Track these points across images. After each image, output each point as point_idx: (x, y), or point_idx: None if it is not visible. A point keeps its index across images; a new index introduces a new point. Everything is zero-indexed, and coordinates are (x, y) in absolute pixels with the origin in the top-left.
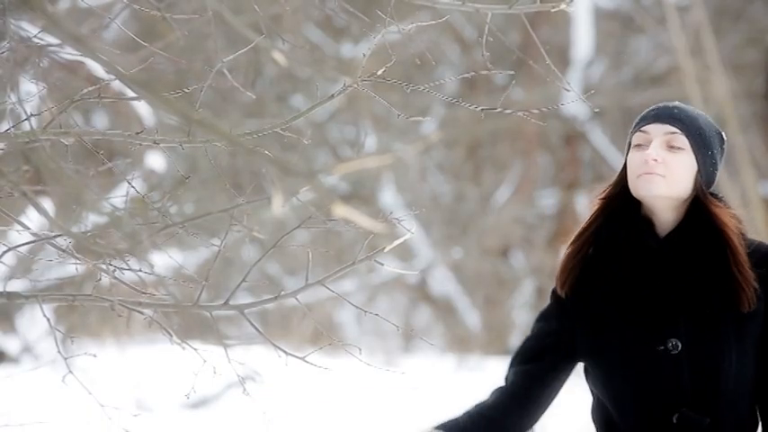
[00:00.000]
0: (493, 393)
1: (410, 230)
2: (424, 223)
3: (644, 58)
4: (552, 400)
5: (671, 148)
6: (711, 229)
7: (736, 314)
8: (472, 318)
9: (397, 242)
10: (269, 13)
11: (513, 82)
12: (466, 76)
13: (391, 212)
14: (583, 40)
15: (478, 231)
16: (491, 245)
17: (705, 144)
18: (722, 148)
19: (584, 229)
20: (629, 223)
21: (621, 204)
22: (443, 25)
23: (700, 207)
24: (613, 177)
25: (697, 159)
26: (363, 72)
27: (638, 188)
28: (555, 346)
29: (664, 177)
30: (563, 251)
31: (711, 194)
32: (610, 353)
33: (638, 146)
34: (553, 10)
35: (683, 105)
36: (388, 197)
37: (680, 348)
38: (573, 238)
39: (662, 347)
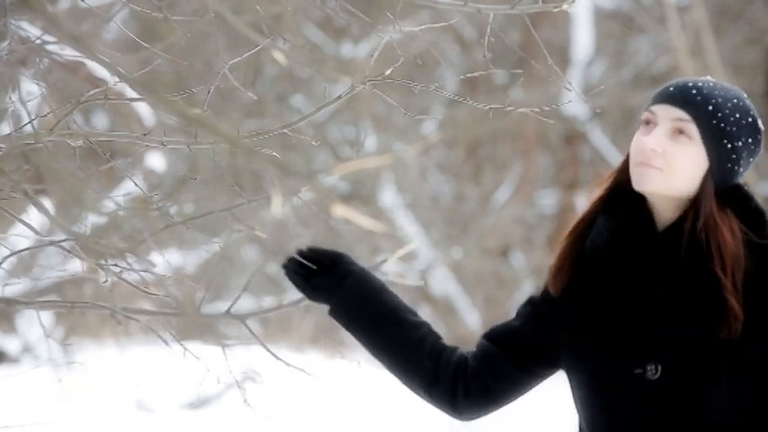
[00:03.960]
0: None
1: (412, 242)
2: (424, 223)
3: (644, 58)
4: (500, 401)
5: (677, 136)
6: (705, 240)
7: (733, 339)
8: (472, 318)
9: (398, 254)
10: (270, 13)
11: (521, 80)
12: (473, 75)
13: (390, 209)
14: (583, 40)
15: (478, 231)
16: (491, 245)
17: (724, 135)
18: (755, 140)
19: (582, 221)
20: (629, 216)
21: (626, 193)
22: (444, 25)
23: (696, 211)
24: (619, 162)
25: (709, 153)
26: (368, 73)
27: (633, 180)
28: (538, 349)
29: (661, 171)
30: (559, 243)
31: (735, 194)
32: (586, 369)
33: (645, 126)
34: (555, 10)
35: (708, 84)
36: (388, 197)
37: (659, 374)
38: (570, 229)
39: (639, 371)
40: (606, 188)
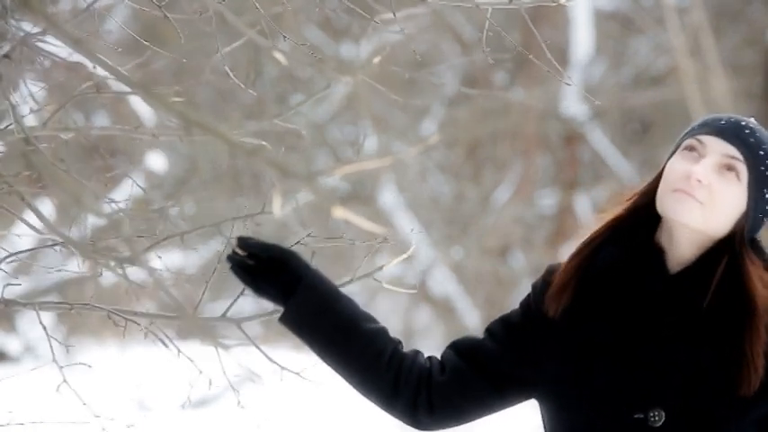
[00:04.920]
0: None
1: (411, 246)
2: (424, 223)
3: (644, 58)
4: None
5: (724, 172)
6: (735, 289)
7: (739, 393)
8: (472, 318)
9: (396, 261)
10: (270, 13)
11: (519, 79)
12: (473, 80)
13: (412, 229)
14: (582, 40)
15: (478, 231)
16: (491, 245)
17: (767, 183)
18: None
19: (590, 241)
20: (638, 248)
21: (641, 220)
22: (443, 25)
23: (729, 255)
24: (643, 184)
25: (749, 198)
26: (364, 66)
27: (665, 205)
28: (517, 371)
29: (702, 205)
30: (564, 262)
31: (754, 244)
32: (579, 407)
33: (688, 152)
34: (552, 4)
35: (756, 126)
36: (388, 197)
37: (662, 421)
38: (577, 249)
39: (641, 416)
40: (624, 211)
